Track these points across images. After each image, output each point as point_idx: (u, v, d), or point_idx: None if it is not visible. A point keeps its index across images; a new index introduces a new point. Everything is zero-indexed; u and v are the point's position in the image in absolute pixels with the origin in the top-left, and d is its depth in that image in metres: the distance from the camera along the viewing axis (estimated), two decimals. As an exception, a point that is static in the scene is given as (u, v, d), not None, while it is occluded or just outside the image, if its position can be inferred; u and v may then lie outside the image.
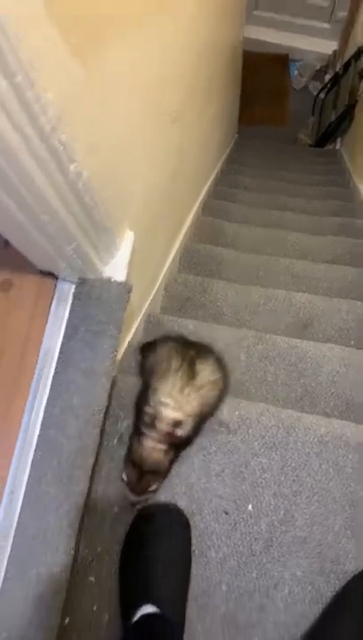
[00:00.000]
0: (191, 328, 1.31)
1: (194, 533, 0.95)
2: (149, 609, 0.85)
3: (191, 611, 0.91)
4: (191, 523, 0.95)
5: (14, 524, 0.80)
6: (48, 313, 0.89)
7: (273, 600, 0.92)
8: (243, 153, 3.45)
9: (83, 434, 0.84)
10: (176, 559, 0.91)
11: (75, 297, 0.90)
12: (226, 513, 0.96)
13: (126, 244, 0.95)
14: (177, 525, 0.93)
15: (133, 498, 0.91)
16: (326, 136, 3.68)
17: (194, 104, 1.54)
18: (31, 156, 0.54)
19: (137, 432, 0.90)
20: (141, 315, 1.27)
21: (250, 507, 0.96)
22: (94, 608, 0.93)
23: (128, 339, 1.15)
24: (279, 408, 1.06)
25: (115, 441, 1.01)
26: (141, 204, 1.07)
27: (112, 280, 0.90)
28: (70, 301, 0.90)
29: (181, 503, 0.96)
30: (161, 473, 0.91)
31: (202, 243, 1.92)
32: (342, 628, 0.86)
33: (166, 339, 1.05)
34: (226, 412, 1.01)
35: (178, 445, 0.92)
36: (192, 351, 0.97)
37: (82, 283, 0.90)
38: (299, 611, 0.91)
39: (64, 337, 0.88)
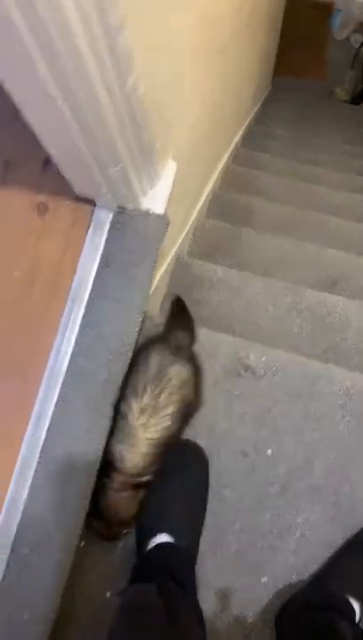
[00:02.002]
0: (220, 274, 1.29)
1: (211, 472, 0.96)
2: (164, 538, 0.87)
3: (204, 545, 0.93)
4: (210, 462, 0.96)
5: (40, 445, 0.81)
6: (83, 241, 0.87)
7: (285, 542, 0.94)
8: (276, 104, 3.32)
9: (112, 364, 0.84)
10: (193, 494, 0.92)
11: (111, 226, 0.87)
12: (245, 455, 0.97)
13: (168, 174, 0.92)
14: (196, 462, 0.94)
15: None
16: (365, 93, 3.52)
17: (238, 38, 1.46)
18: (95, 58, 0.50)
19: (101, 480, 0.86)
20: (171, 255, 1.24)
21: (269, 451, 0.97)
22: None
23: (157, 279, 1.13)
24: (306, 358, 1.05)
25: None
26: (185, 136, 1.03)
27: (151, 212, 0.88)
28: (107, 230, 0.87)
29: (201, 442, 0.97)
30: (130, 520, 0.89)
31: (232, 191, 1.87)
32: (351, 571, 0.88)
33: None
34: (253, 357, 1.00)
35: (146, 483, 0.88)
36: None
37: (120, 212, 0.87)
38: (309, 553, 0.93)
39: (98, 266, 0.86)
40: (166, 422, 0.86)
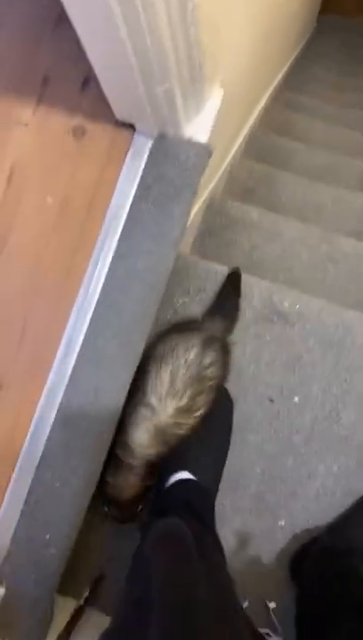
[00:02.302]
0: (255, 217, 1.24)
1: (236, 415, 0.95)
2: (185, 475, 0.87)
3: (223, 485, 0.93)
4: (235, 405, 0.95)
5: (68, 374, 0.80)
6: (121, 167, 0.83)
7: (305, 488, 0.94)
8: (321, 44, 3.11)
9: (145, 299, 0.81)
10: (216, 434, 0.92)
11: (151, 154, 0.83)
12: (271, 401, 0.95)
13: (214, 102, 0.86)
14: (221, 404, 0.93)
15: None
16: None
17: None
18: None
19: (113, 460, 0.85)
20: (207, 193, 1.19)
21: (296, 399, 0.95)
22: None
23: (191, 214, 1.08)
24: (341, 308, 1.01)
25: (168, 316, 0.98)
26: (233, 64, 0.96)
27: (193, 140, 0.83)
28: (146, 158, 0.83)
29: (228, 385, 0.95)
30: (142, 497, 0.87)
31: (271, 132, 1.78)
32: None
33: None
34: (287, 303, 0.97)
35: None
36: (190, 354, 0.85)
37: (160, 139, 0.82)
38: (328, 502, 0.93)
39: (135, 196, 0.82)
40: (196, 421, 0.83)
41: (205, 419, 0.90)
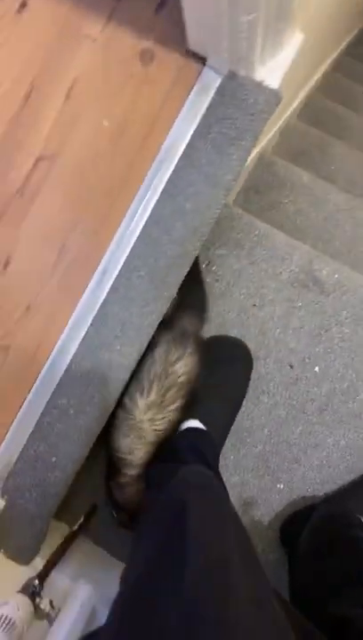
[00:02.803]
0: (305, 180, 1.20)
1: (254, 375, 0.94)
2: (195, 424, 0.87)
3: (229, 441, 0.94)
4: (255, 365, 0.95)
5: (98, 305, 0.80)
6: (184, 101, 0.79)
7: (309, 457, 0.94)
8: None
9: (186, 242, 0.79)
10: (231, 390, 0.91)
11: (218, 92, 0.79)
12: (291, 366, 0.95)
13: (292, 47, 0.81)
14: (241, 361, 0.93)
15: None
16: None
17: None
18: None
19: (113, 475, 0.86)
20: (259, 146, 1.15)
21: (317, 369, 0.94)
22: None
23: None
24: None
25: (203, 266, 0.96)
26: (318, 9, 0.90)
27: (264, 84, 0.78)
28: (212, 95, 0.79)
29: (251, 344, 0.94)
30: None
31: (329, 99, 1.71)
32: None
33: None
34: (325, 272, 0.95)
35: None
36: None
37: (230, 78, 0.78)
38: (330, 474, 0.94)
39: (194, 133, 0.79)
40: (173, 415, 0.84)
41: (222, 373, 0.91)
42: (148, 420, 0.83)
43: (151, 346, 0.83)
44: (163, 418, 0.84)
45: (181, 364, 0.84)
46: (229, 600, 0.39)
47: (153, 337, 0.82)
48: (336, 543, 0.73)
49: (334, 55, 1.89)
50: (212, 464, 0.81)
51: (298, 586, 0.77)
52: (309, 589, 0.71)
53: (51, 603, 0.67)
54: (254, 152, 1.15)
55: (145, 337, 0.81)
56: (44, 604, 0.66)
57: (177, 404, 0.84)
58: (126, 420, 0.84)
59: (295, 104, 1.42)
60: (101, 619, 0.71)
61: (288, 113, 1.36)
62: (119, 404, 0.83)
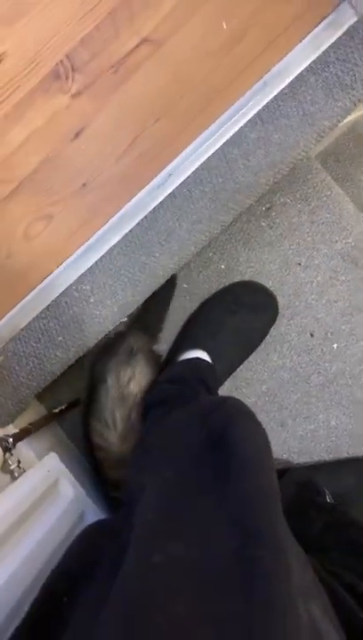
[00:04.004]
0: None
1: (272, 332, 0.94)
2: (203, 355, 0.87)
3: (226, 384, 0.94)
4: (276, 322, 0.94)
5: (151, 207, 0.78)
6: (311, 29, 0.75)
7: (296, 426, 0.94)
8: None
9: (261, 173, 0.77)
10: (248, 337, 0.91)
11: (348, 31, 0.74)
12: (312, 335, 0.94)
13: None
14: (266, 313, 0.92)
15: None
16: None
17: None
18: None
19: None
20: (356, 114, 1.10)
21: (335, 345, 0.93)
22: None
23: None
24: None
25: (263, 208, 0.94)
26: None
27: None
28: (341, 33, 0.75)
29: (281, 301, 0.93)
30: None
31: None
32: (339, 475, 0.89)
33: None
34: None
35: None
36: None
37: (365, 20, 0.74)
38: (310, 448, 0.94)
39: (309, 66, 0.75)
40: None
41: (244, 317, 0.90)
42: (126, 449, 0.80)
43: (101, 378, 0.82)
44: (134, 433, 0.81)
45: (135, 383, 0.82)
46: (277, 523, 0.39)
47: (102, 368, 0.81)
48: (306, 509, 0.74)
49: None
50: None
51: None
52: None
53: (18, 462, 0.69)
54: (351, 117, 1.10)
55: (186, 253, 0.80)
56: (12, 462, 0.68)
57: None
58: (108, 458, 0.81)
59: None
60: (90, 520, 0.72)
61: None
62: (93, 445, 0.81)
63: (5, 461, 0.68)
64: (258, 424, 0.55)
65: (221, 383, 0.91)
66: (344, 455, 0.94)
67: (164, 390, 0.78)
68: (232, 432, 0.50)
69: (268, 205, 0.93)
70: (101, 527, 0.55)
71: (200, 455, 0.50)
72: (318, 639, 0.33)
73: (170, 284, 0.91)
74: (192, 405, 0.64)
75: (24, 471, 0.68)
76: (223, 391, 0.94)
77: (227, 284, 0.94)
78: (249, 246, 0.93)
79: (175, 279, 0.93)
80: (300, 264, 0.92)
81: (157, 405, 0.76)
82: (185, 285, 0.95)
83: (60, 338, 0.81)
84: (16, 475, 0.67)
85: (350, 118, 1.10)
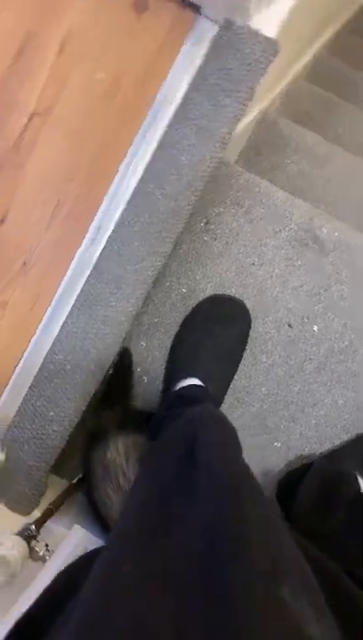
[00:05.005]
0: (309, 141, 1.18)
1: (252, 334, 0.94)
2: (195, 382, 0.88)
3: (227, 400, 0.94)
4: (253, 325, 0.94)
5: (93, 261, 0.80)
6: (179, 51, 0.78)
7: (307, 416, 0.94)
8: None
9: (180, 196, 0.79)
10: (230, 349, 0.92)
11: (213, 42, 0.77)
12: (290, 326, 0.94)
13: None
14: (239, 320, 0.93)
15: None
16: None
17: None
18: None
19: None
20: (263, 104, 1.13)
21: (316, 328, 0.94)
22: (138, 369, 0.98)
23: (245, 121, 1.03)
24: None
25: (201, 224, 0.96)
26: None
27: (260, 33, 0.77)
28: (206, 46, 0.77)
29: (249, 303, 0.94)
30: None
31: (339, 60, 1.66)
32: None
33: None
34: (326, 230, 0.94)
35: None
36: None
37: (225, 27, 0.76)
38: (328, 433, 0.94)
39: (189, 85, 0.78)
40: None
41: (220, 332, 0.91)
42: None
43: (88, 469, 0.83)
44: None
45: (112, 452, 0.81)
46: (239, 520, 0.40)
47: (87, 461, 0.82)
48: (331, 500, 0.73)
49: (349, 15, 1.82)
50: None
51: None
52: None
53: (46, 546, 0.69)
54: (257, 110, 1.13)
55: (140, 292, 0.82)
56: (40, 547, 0.69)
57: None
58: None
59: (302, 63, 1.39)
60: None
61: (294, 72, 1.33)
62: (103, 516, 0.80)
63: (32, 549, 0.68)
64: (223, 424, 0.55)
65: (220, 401, 0.91)
66: (361, 428, 0.93)
67: (158, 421, 0.79)
68: (199, 438, 0.51)
69: (205, 220, 0.95)
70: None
71: (181, 464, 0.51)
72: (285, 623, 0.33)
73: (122, 356, 0.93)
74: (177, 420, 0.66)
75: (53, 551, 0.68)
76: (225, 407, 0.94)
77: (193, 305, 0.95)
78: (201, 263, 0.95)
79: (128, 352, 0.95)
80: (254, 264, 0.93)
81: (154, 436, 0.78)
82: (156, 320, 0.96)
83: (51, 413, 0.82)
84: (47, 559, 0.67)
85: (256, 112, 1.13)
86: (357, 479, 0.83)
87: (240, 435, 0.92)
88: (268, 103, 1.20)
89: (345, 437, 0.94)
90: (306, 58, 1.44)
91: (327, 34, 1.60)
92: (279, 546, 0.42)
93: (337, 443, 0.94)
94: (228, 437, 0.53)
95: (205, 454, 0.48)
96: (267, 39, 0.77)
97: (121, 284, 0.81)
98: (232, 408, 0.95)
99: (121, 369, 0.93)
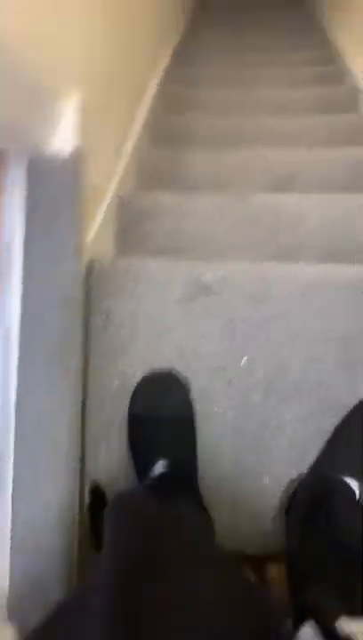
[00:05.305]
0: (166, 201, 1.26)
1: (195, 393, 0.97)
2: (160, 467, 0.89)
3: (201, 463, 0.96)
4: (191, 384, 0.97)
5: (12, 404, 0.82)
6: (2, 200, 0.85)
7: (278, 440, 0.96)
8: (207, 13, 3.13)
9: (61, 320, 0.84)
10: (181, 418, 0.94)
11: (28, 177, 0.84)
12: (222, 369, 0.98)
13: (72, 106, 0.87)
14: (176, 387, 0.96)
15: None
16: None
17: None
18: None
19: None
20: (110, 194, 1.21)
21: (244, 359, 0.98)
22: (112, 474, 0.99)
23: (98, 220, 1.10)
24: (261, 263, 1.04)
25: (102, 319, 1.00)
26: (85, 60, 0.97)
27: (61, 152, 0.84)
28: (24, 182, 0.84)
29: (178, 367, 0.97)
30: None
31: (170, 113, 1.81)
32: (343, 452, 0.91)
33: None
34: (209, 275, 1.00)
35: None
36: None
37: (33, 160, 0.84)
38: (304, 446, 0.95)
39: (25, 224, 0.84)
40: None
41: (164, 407, 0.94)
42: None
43: None
44: None
45: None
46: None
47: None
48: (315, 515, 0.75)
49: (158, 73, 1.98)
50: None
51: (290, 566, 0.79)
52: (299, 571, 0.72)
53: None
54: (110, 198, 1.21)
55: (68, 421, 0.84)
56: None
57: None
58: None
59: (135, 134, 1.50)
60: None
61: (131, 144, 1.43)
62: None
63: None
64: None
65: (193, 469, 0.92)
66: (330, 427, 0.96)
67: None
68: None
69: (104, 315, 1.00)
70: None
71: None
72: None
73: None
74: None
75: None
76: (201, 466, 0.95)
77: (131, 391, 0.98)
78: (119, 352, 0.98)
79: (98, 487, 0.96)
80: (161, 334, 0.98)
81: None
82: (105, 419, 0.98)
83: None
84: None
85: (108, 200, 1.21)
86: (346, 483, 0.85)
87: (227, 485, 0.94)
88: (119, 185, 1.29)
89: (320, 443, 0.96)
90: (137, 125, 1.55)
91: (147, 95, 1.73)
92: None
93: (315, 452, 0.95)
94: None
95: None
96: (69, 154, 0.84)
97: (42, 419, 0.82)
98: (208, 465, 0.96)
99: (96, 506, 0.92)
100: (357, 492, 0.87)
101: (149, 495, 0.67)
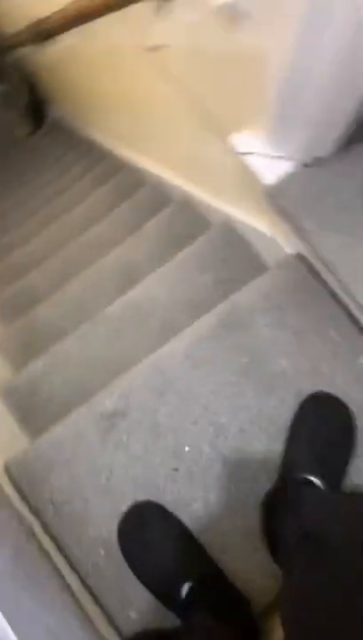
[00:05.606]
0: (38, 367, 1.31)
1: (169, 506, 0.97)
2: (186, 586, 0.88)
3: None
4: (160, 500, 0.97)
5: None
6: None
7: (258, 482, 0.96)
8: None
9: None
10: (168, 539, 0.94)
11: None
12: (176, 470, 0.99)
13: None
14: (156, 513, 0.96)
15: None
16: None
17: None
18: None
19: None
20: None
21: (187, 448, 1.00)
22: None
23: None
24: (144, 358, 1.09)
25: (51, 508, 0.99)
26: None
27: None
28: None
29: (139, 496, 0.97)
30: None
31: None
32: (299, 455, 0.95)
33: None
34: (108, 402, 1.03)
35: None
36: None
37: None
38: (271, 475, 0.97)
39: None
40: None
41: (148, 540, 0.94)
42: None
43: None
44: None
45: None
46: None
47: None
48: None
49: None
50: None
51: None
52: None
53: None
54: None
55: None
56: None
57: None
58: None
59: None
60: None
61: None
62: None
63: None
64: None
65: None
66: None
67: None
68: None
69: (49, 504, 0.99)
70: None
71: None
72: None
73: None
74: None
75: None
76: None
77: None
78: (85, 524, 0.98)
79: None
80: (99, 483, 0.98)
81: None
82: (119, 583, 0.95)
83: None
84: None
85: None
86: (310, 481, 0.87)
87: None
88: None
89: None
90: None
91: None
92: None
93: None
94: None
95: None
96: None
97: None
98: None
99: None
100: (322, 488, 0.89)
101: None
